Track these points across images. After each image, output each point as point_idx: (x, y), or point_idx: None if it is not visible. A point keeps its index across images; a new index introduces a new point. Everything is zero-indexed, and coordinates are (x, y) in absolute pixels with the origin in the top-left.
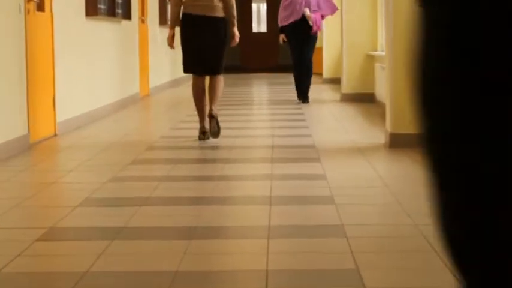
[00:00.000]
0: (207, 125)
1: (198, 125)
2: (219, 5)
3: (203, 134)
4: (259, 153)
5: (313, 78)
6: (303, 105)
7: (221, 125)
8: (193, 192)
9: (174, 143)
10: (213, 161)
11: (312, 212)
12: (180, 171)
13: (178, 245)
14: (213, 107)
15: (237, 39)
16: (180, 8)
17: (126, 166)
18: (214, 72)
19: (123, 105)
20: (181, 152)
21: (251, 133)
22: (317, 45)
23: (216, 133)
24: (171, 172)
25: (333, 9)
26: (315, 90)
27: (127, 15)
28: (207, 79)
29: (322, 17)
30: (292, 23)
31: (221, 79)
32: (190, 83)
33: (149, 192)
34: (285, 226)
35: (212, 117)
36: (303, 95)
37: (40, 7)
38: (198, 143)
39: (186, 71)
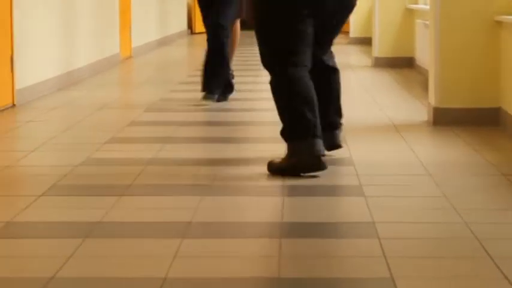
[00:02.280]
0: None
1: (191, 96)
2: None
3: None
4: (267, 131)
5: (338, 38)
6: None
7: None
8: (186, 180)
9: (162, 117)
10: (211, 140)
11: (335, 206)
12: (170, 153)
13: (168, 245)
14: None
15: None
16: None
17: (103, 145)
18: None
19: (99, 69)
20: (172, 128)
21: (258, 106)
22: None
23: None
24: (158, 153)
25: None
26: (340, 52)
27: None
28: None
29: None
30: None
31: (238, 26)
32: (181, 41)
33: (131, 179)
34: (300, 223)
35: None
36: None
37: None
38: (193, 115)
39: None
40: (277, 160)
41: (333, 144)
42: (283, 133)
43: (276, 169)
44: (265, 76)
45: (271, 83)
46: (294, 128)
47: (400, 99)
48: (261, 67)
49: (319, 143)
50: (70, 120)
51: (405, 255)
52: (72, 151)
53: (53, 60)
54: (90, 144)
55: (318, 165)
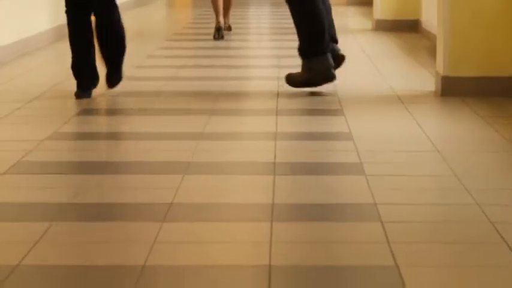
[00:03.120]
0: (222, 21)
1: (172, 64)
2: None
3: (218, 31)
4: (258, 103)
5: None
6: None
7: (207, 61)
8: (167, 156)
9: (138, 86)
10: (196, 112)
11: (332, 186)
12: (147, 127)
13: (147, 229)
14: (226, 20)
15: None
16: None
17: (73, 117)
18: None
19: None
20: (149, 100)
21: (248, 74)
22: None
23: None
24: (135, 127)
25: None
26: (337, 14)
27: None
28: None
29: None
30: None
31: None
32: (161, 1)
33: (105, 155)
34: (293, 204)
35: (226, 29)
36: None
37: None
38: (172, 85)
39: None
40: (295, 73)
41: (337, 54)
42: (305, 50)
43: (294, 81)
44: (254, 41)
45: (296, 12)
46: (315, 45)
47: (405, 67)
48: (249, 31)
49: (330, 57)
50: (35, 91)
51: (410, 241)
52: (38, 124)
53: (12, 22)
54: (59, 117)
55: (331, 76)
